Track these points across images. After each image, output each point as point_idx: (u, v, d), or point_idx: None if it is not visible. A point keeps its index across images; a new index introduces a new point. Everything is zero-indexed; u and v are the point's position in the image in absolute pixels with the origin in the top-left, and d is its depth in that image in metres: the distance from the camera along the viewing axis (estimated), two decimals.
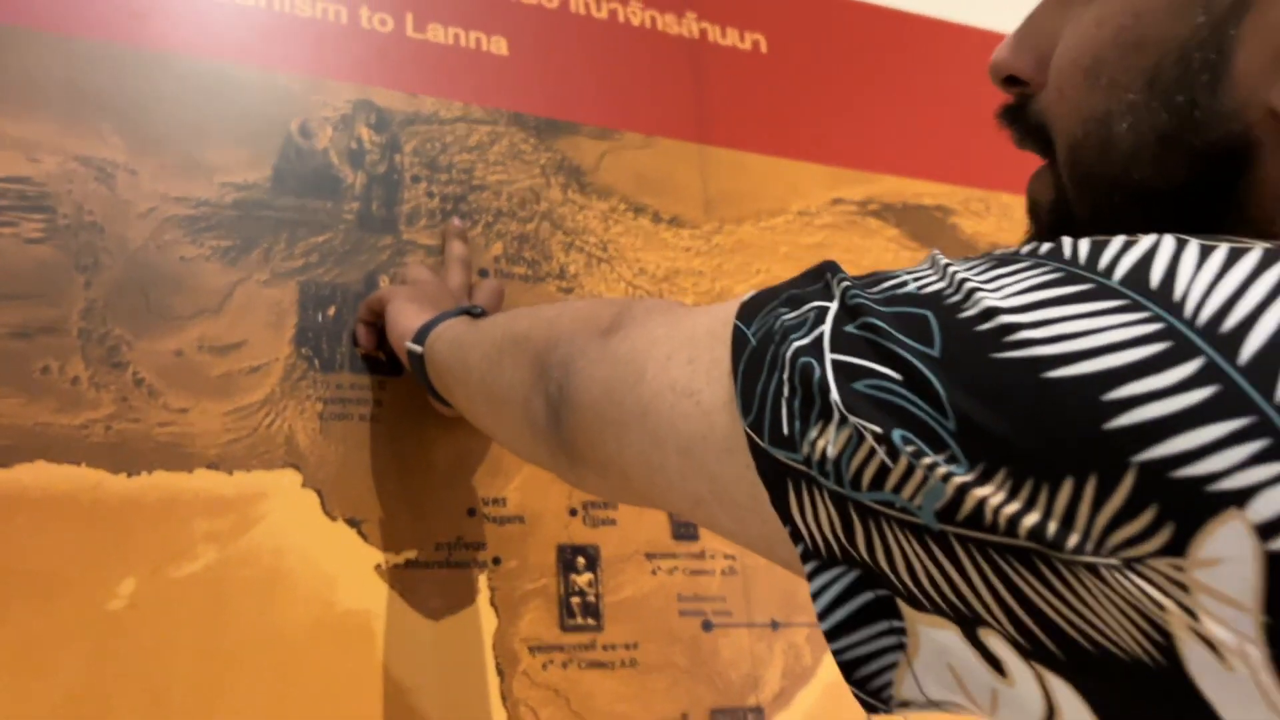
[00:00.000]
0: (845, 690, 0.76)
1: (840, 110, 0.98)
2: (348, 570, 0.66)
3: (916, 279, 0.30)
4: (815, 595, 0.30)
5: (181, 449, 0.65)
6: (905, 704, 0.30)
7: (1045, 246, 0.28)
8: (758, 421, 0.31)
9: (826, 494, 0.29)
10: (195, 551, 0.63)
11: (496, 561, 0.70)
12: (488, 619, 0.68)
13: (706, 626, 0.74)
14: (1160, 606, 0.22)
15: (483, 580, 0.69)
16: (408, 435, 0.71)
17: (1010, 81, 0.42)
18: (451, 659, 0.67)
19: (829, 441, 0.29)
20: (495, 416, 0.53)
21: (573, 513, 0.73)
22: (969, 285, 0.28)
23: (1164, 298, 0.24)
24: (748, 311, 0.34)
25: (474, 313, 0.63)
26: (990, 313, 0.26)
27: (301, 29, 0.78)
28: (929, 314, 0.28)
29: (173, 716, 0.59)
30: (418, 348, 0.62)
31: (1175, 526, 0.22)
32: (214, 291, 0.69)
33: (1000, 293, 0.27)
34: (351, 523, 0.67)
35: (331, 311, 0.72)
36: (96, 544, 0.61)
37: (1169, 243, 0.26)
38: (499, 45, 0.85)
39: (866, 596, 0.30)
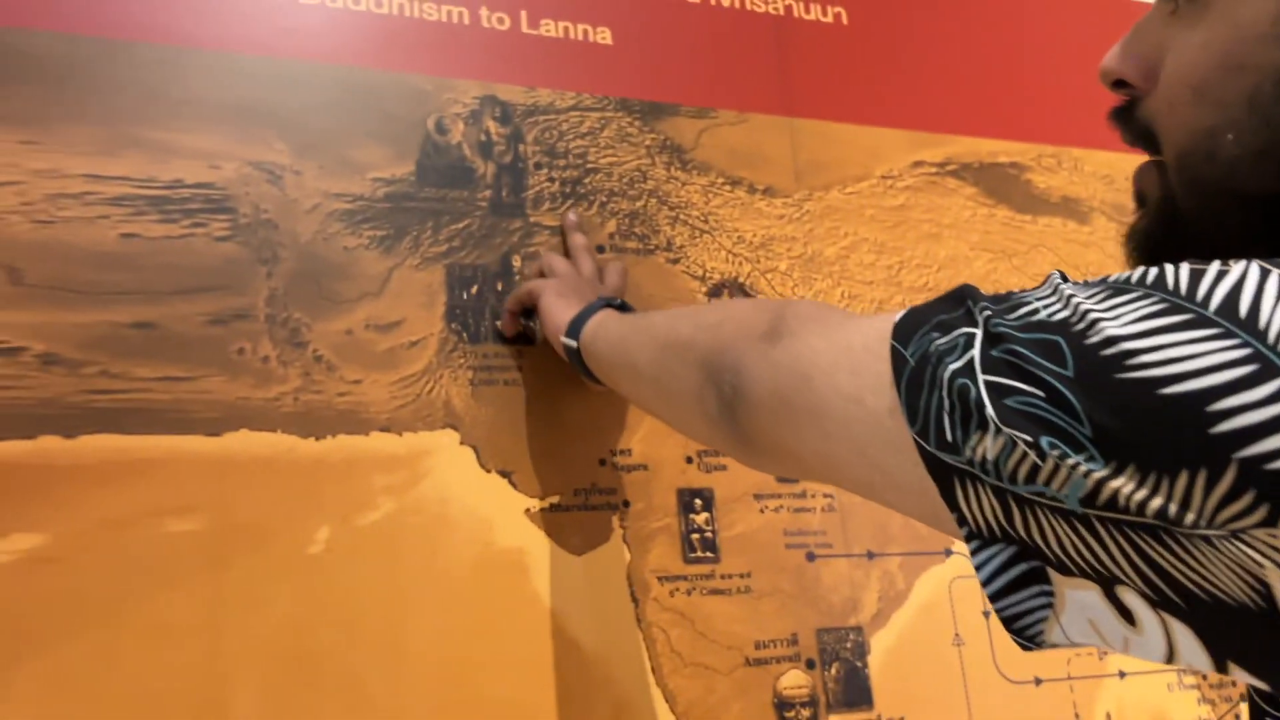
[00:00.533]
0: (936, 611, 0.85)
1: (918, 76, 1.04)
2: (502, 514, 0.77)
3: (1045, 305, 0.37)
4: (979, 567, 0.38)
5: (358, 415, 0.75)
6: (1054, 645, 0.38)
7: (1152, 275, 0.35)
8: (924, 429, 0.38)
9: (988, 488, 0.36)
10: (375, 502, 0.74)
11: (626, 504, 0.80)
12: (621, 554, 0.79)
13: (810, 557, 0.84)
14: (1259, 564, 0.30)
15: (615, 520, 0.79)
16: (545, 396, 0.80)
17: (1118, 85, 0.48)
18: (593, 589, 0.77)
19: (987, 448, 0.36)
20: (666, 407, 0.62)
21: (689, 460, 0.83)
22: (1091, 315, 0.34)
23: (1251, 326, 0.31)
24: (902, 333, 0.41)
25: (614, 304, 0.73)
26: (1112, 340, 0.33)
27: (429, 32, 0.87)
28: (1060, 340, 0.35)
29: (365, 643, 0.70)
30: (572, 343, 0.71)
31: (1270, 506, 0.29)
32: (374, 277, 0.79)
33: (1118, 321, 0.34)
34: (503, 473, 0.78)
35: (474, 290, 0.81)
36: (294, 499, 0.72)
37: (1254, 273, 0.33)
38: (604, 35, 0.93)
39: (1022, 567, 0.37)
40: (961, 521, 0.39)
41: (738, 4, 0.99)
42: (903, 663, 0.83)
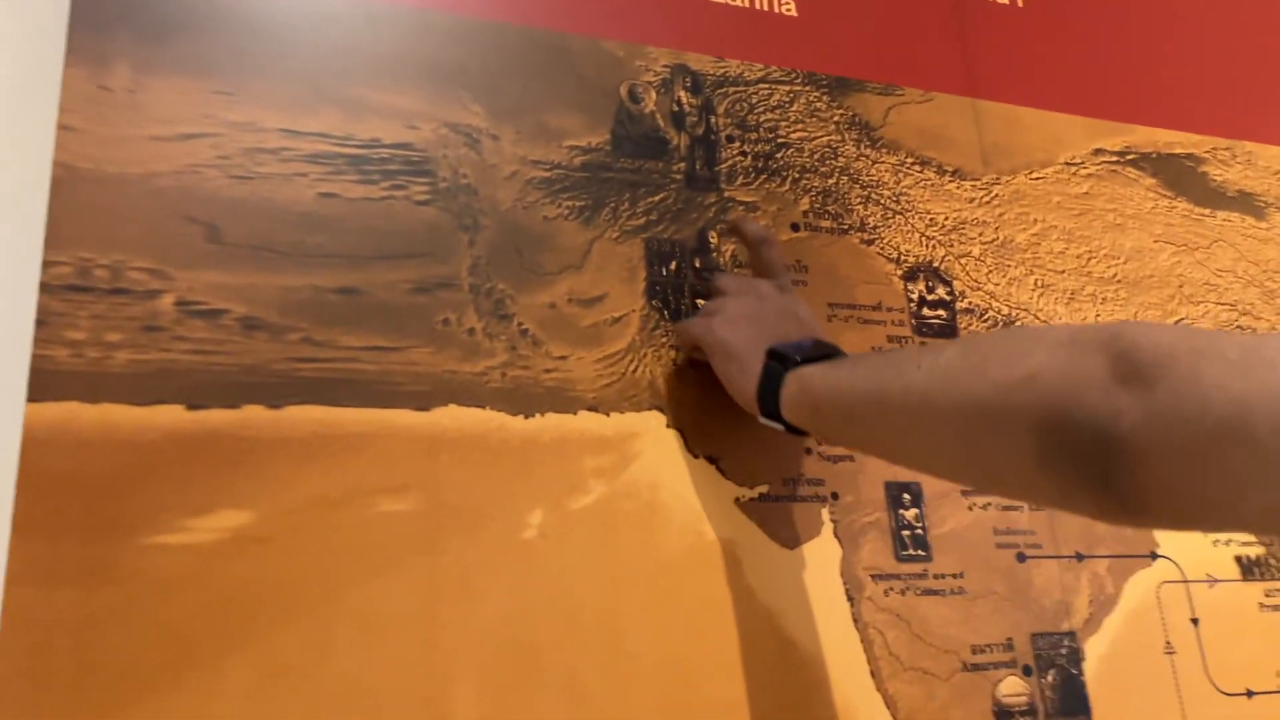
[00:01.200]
0: (1146, 616, 0.81)
1: (1094, 62, 1.00)
2: (712, 502, 0.72)
3: None
4: None
5: (565, 393, 0.70)
6: None
7: None
8: None
9: None
10: (587, 486, 0.69)
11: (835, 496, 0.75)
12: (833, 549, 0.74)
13: (1020, 558, 0.79)
14: None
15: (825, 513, 0.75)
16: None
17: None
18: (808, 585, 0.72)
19: None
20: (984, 480, 0.57)
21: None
22: None
23: None
24: None
25: (790, 357, 0.65)
26: None
27: None
28: None
29: (583, 637, 0.65)
30: (778, 426, 0.65)
31: None
32: (575, 249, 0.74)
33: None
34: (711, 459, 0.73)
35: (674, 266, 0.77)
36: (506, 479, 0.67)
37: None
38: (789, 7, 0.89)
39: None
40: None
41: None
42: (1117, 671, 0.78)
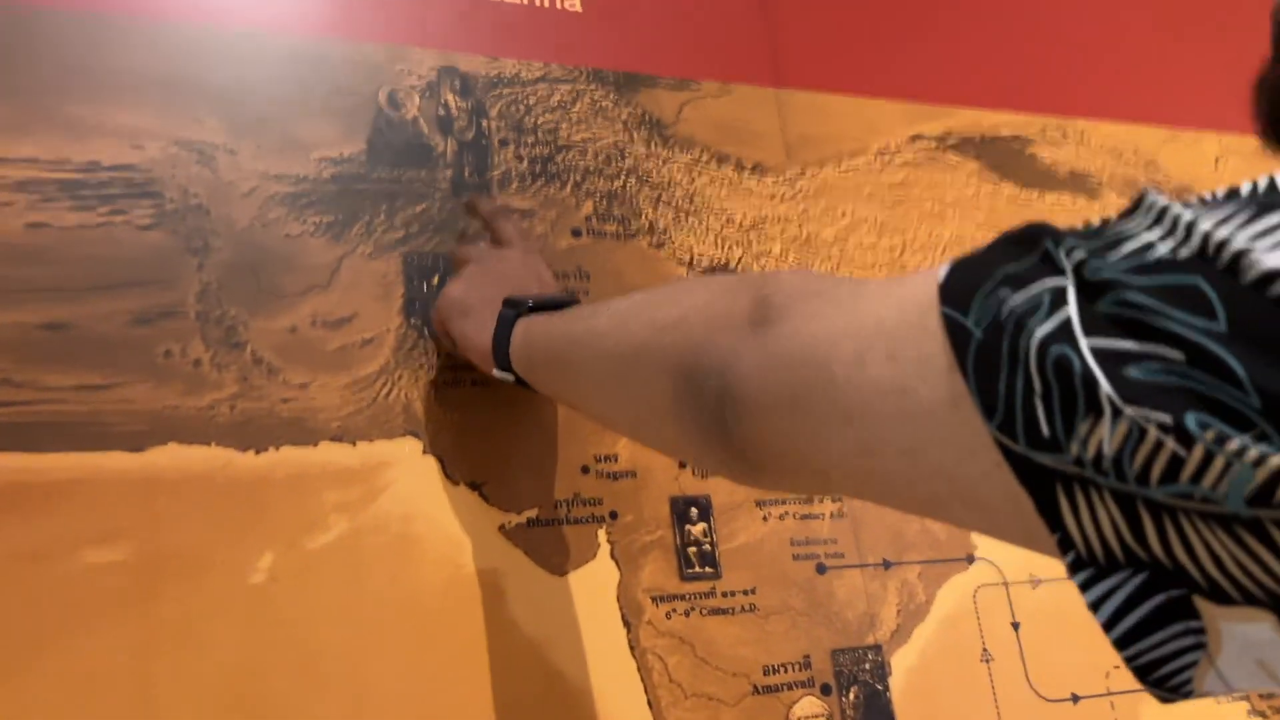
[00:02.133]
0: (961, 624, 0.77)
1: (914, 44, 0.97)
2: (474, 532, 0.67)
3: (1163, 239, 0.27)
4: (1095, 605, 0.28)
5: (305, 423, 0.66)
6: (1207, 694, 0.29)
7: None
8: (1008, 423, 0.29)
9: (1108, 494, 0.27)
10: (328, 522, 0.65)
11: (613, 516, 0.71)
12: (610, 572, 0.70)
13: (820, 569, 0.75)
14: None
15: (602, 534, 0.70)
16: (518, 398, 0.71)
17: None
18: (579, 612, 0.68)
19: (1104, 438, 0.26)
20: (642, 430, 0.51)
21: (682, 464, 0.74)
22: (1234, 246, 0.25)
23: None
24: (955, 296, 0.31)
25: (524, 305, 0.61)
26: (1274, 275, 0.24)
27: None
28: (1199, 282, 0.26)
29: (324, 681, 0.61)
30: (508, 376, 0.61)
31: None
32: (321, 267, 0.70)
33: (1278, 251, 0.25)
34: (473, 486, 0.69)
35: (436, 280, 0.72)
36: (233, 521, 0.63)
37: None
38: (572, 2, 0.84)
39: (1158, 599, 0.27)
40: (1067, 544, 0.29)
41: None
42: (928, 683, 0.75)
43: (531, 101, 0.80)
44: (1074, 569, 0.29)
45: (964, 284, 0.32)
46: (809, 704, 0.71)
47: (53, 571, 0.58)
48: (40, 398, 0.61)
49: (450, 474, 0.68)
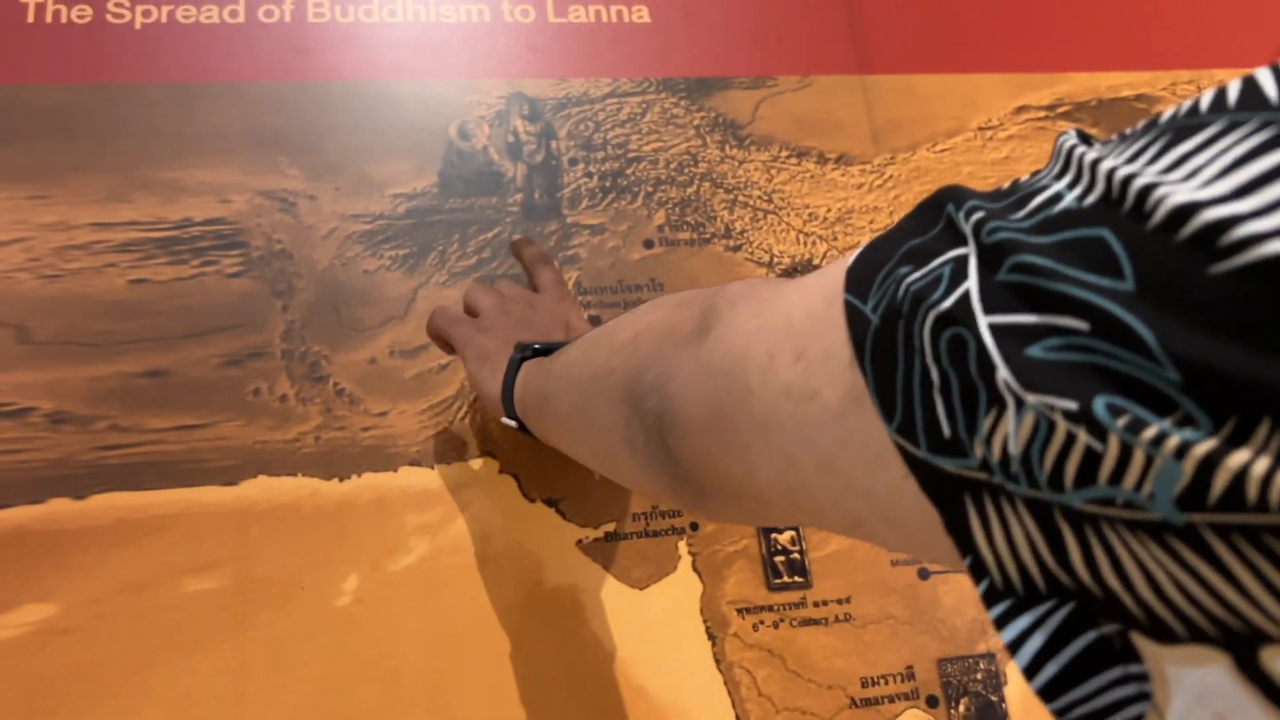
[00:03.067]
0: None
1: (1015, 11, 0.91)
2: (551, 548, 0.68)
3: (1070, 186, 0.23)
4: (1013, 646, 0.23)
5: (385, 450, 0.68)
6: None
7: (1234, 92, 0.21)
8: (907, 425, 0.25)
9: (1021, 504, 0.22)
10: (409, 545, 0.66)
11: (694, 527, 0.70)
12: (692, 584, 0.68)
13: (923, 575, 0.71)
14: None
15: (682, 546, 0.69)
16: None
17: None
18: (661, 626, 0.67)
19: (1008, 435, 0.22)
20: (606, 465, 0.47)
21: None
22: (1141, 182, 0.21)
23: None
24: (858, 279, 0.27)
25: (530, 349, 0.59)
26: (1186, 211, 0.19)
27: (449, 34, 0.81)
28: (1104, 233, 0.21)
29: (407, 699, 0.63)
30: (512, 424, 0.59)
31: None
32: (398, 299, 0.72)
33: (1193, 181, 0.20)
34: (549, 502, 0.69)
35: None
36: (320, 547, 0.66)
37: None
38: (640, 14, 0.84)
39: (1088, 637, 0.23)
40: (980, 570, 0.24)
41: None
42: None
43: (601, 118, 0.80)
44: (988, 600, 0.24)
45: (868, 265, 0.28)
46: (913, 716, 0.67)
47: (156, 600, 0.63)
48: (143, 439, 0.66)
49: (527, 492, 0.69)
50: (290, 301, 0.71)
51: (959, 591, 0.71)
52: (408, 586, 0.65)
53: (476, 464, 0.69)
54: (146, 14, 0.77)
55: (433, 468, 0.68)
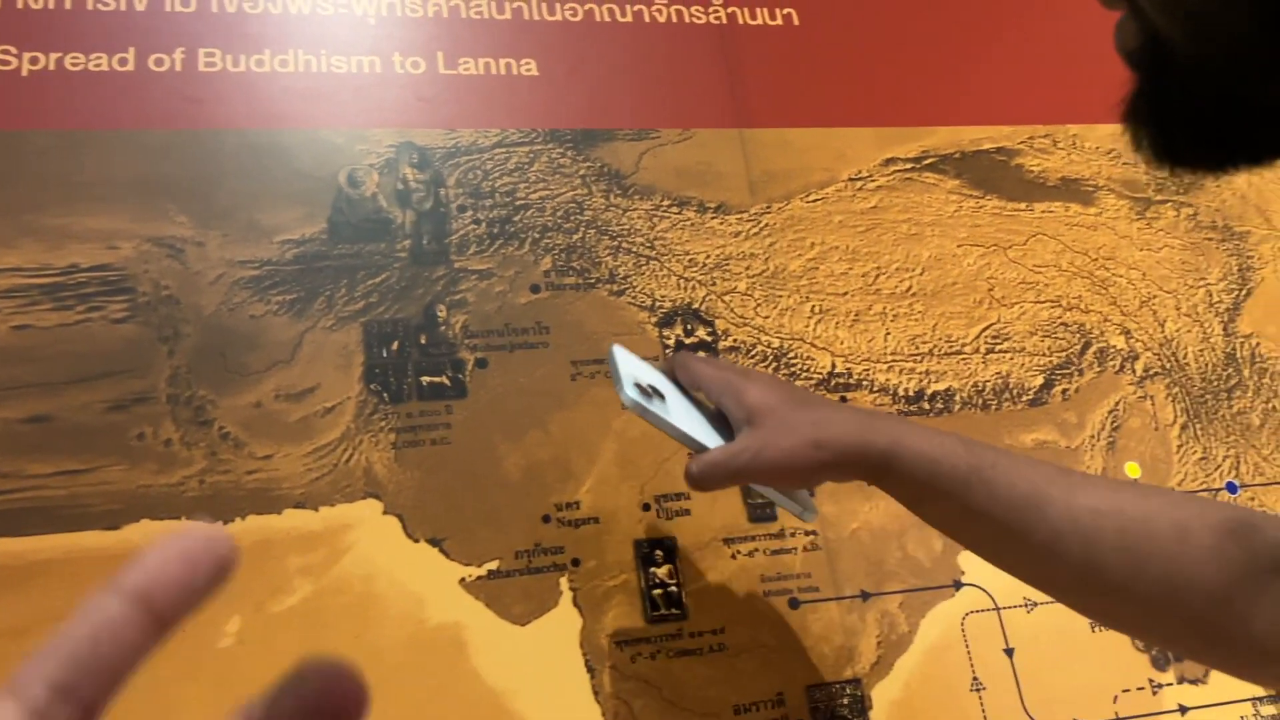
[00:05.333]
0: (948, 653, 0.76)
1: (884, 68, 0.96)
2: (434, 587, 0.70)
3: None
4: None
5: (270, 493, 0.70)
6: None
7: None
8: None
9: None
10: (292, 586, 0.68)
11: (575, 563, 0.72)
12: (572, 619, 0.71)
13: (793, 604, 0.75)
14: None
15: (564, 582, 0.72)
16: (478, 453, 0.74)
17: None
18: (541, 660, 0.69)
19: None
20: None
21: (645, 507, 0.75)
22: None
23: None
24: None
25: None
26: None
27: (340, 84, 0.83)
28: None
29: None
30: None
31: None
32: (284, 343, 0.74)
33: None
34: (433, 542, 0.71)
35: (395, 346, 0.76)
36: None
37: None
38: (529, 67, 0.88)
39: None
40: None
41: (675, 18, 0.93)
42: (912, 716, 0.73)
43: (489, 166, 0.83)
44: None
45: None
46: None
47: (35, 645, 0.63)
48: (24, 485, 0.67)
49: (410, 532, 0.71)
50: (176, 346, 0.72)
51: (827, 620, 0.75)
52: (290, 627, 0.67)
53: (360, 506, 0.71)
54: (34, 60, 0.78)
55: (317, 510, 0.70)
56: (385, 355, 0.75)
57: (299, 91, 0.82)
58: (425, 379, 0.75)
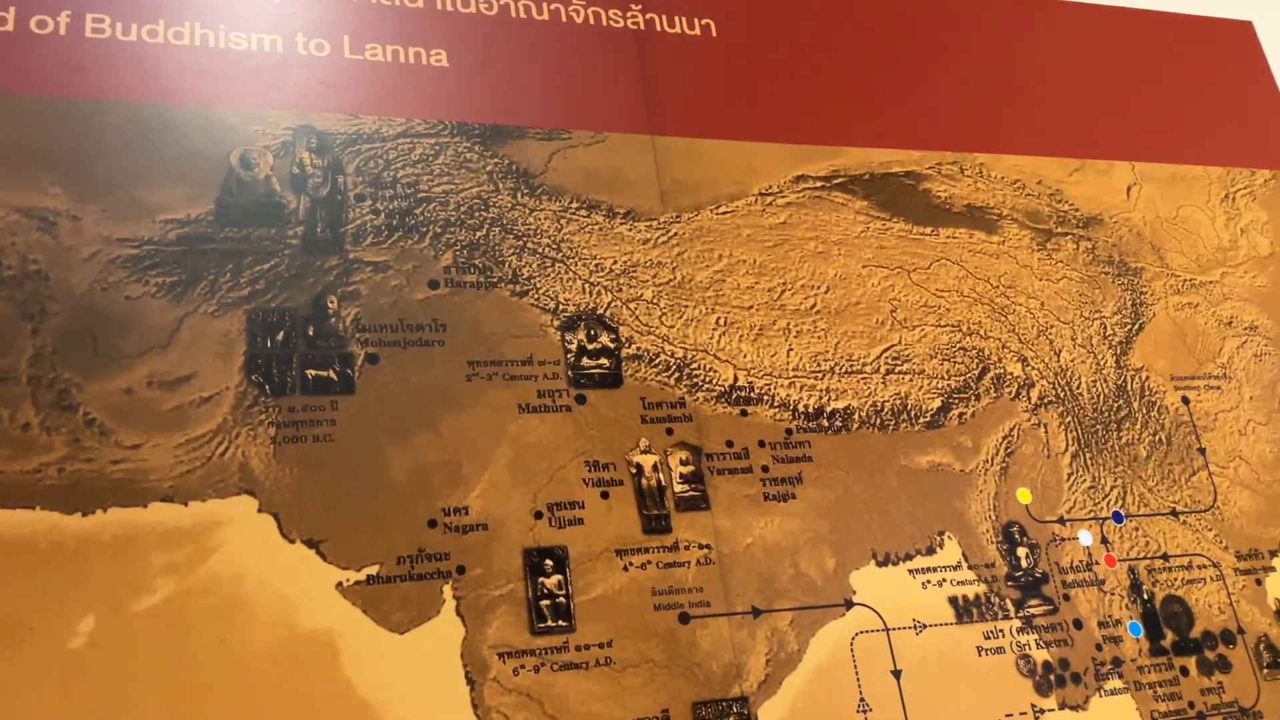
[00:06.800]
0: (836, 673, 0.75)
1: (798, 85, 0.96)
2: (309, 591, 0.66)
3: None
4: None
5: (135, 484, 0.65)
6: None
7: None
8: None
9: None
10: (154, 585, 0.64)
11: (461, 570, 0.70)
12: (454, 628, 0.68)
13: (684, 619, 0.73)
14: None
15: (447, 590, 0.69)
16: (363, 452, 0.71)
17: None
18: (419, 671, 0.66)
19: None
20: None
21: (538, 515, 0.73)
22: None
23: None
24: None
25: None
26: None
27: (238, 62, 0.79)
28: None
29: None
30: None
31: None
32: (161, 328, 0.70)
33: None
34: (310, 543, 0.67)
35: (281, 336, 0.72)
36: (55, 585, 0.62)
37: None
38: (439, 58, 0.85)
39: None
40: None
41: (593, 19, 0.91)
42: None
43: (391, 156, 0.80)
44: None
45: None
46: None
47: None
48: None
49: (286, 532, 0.67)
50: (42, 325, 0.67)
51: (716, 636, 0.73)
52: (150, 628, 0.62)
53: (234, 502, 0.67)
54: None
55: (186, 505, 0.66)
56: (270, 345, 0.72)
57: (193, 67, 0.78)
58: (311, 372, 0.72)
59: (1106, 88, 1.09)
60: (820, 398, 0.84)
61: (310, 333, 0.73)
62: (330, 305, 0.74)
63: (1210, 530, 0.91)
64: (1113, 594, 0.85)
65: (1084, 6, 1.12)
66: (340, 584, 0.67)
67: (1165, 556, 0.88)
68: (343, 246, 0.76)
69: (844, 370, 0.85)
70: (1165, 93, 1.11)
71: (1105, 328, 0.96)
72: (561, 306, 0.80)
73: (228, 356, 0.71)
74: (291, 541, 0.67)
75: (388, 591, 0.68)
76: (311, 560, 0.67)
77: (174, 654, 0.62)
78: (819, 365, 0.85)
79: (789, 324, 0.85)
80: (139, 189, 0.73)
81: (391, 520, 0.70)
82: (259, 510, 0.67)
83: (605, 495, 0.75)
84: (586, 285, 0.81)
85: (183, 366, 0.69)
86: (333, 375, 0.72)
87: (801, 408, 0.83)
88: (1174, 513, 0.90)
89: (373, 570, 0.68)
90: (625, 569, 0.73)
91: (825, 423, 0.83)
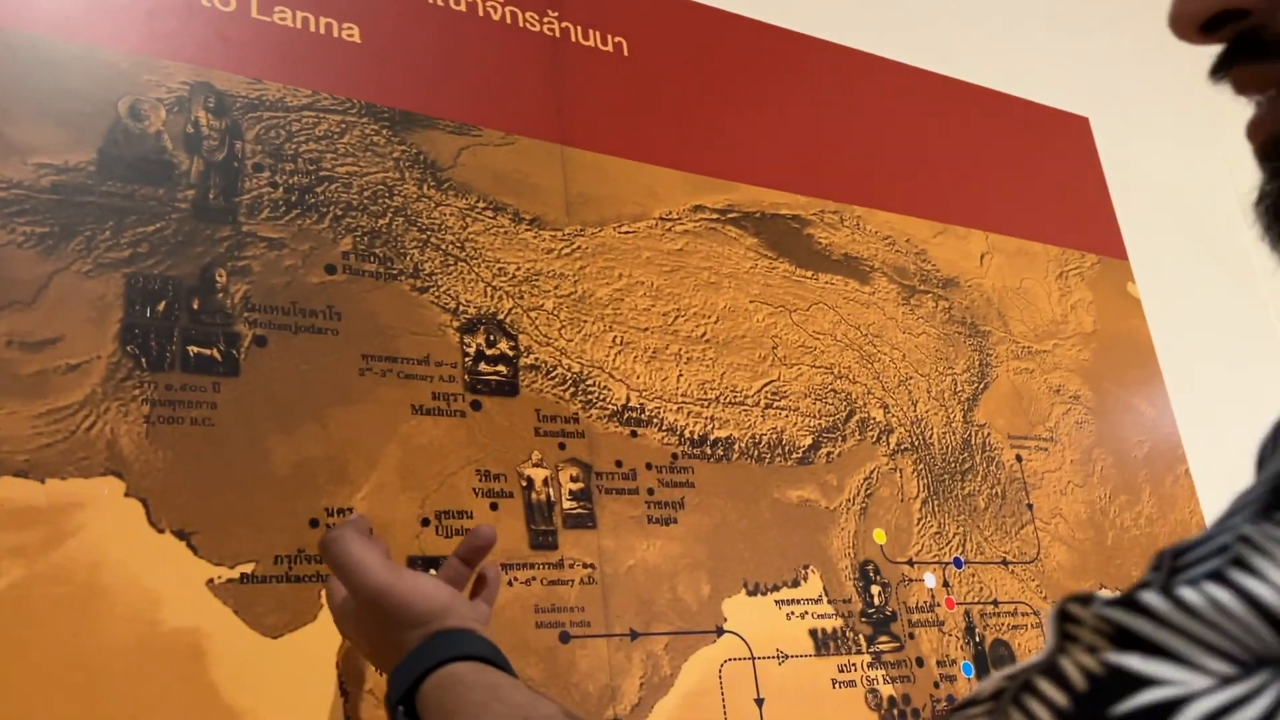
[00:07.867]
0: (704, 699, 0.75)
1: (701, 117, 0.98)
2: (175, 586, 0.61)
3: None
4: None
5: None
6: None
7: None
8: None
9: None
10: (0, 568, 0.57)
11: None
12: (332, 636, 0.64)
13: (564, 638, 0.72)
14: None
15: (326, 594, 0.65)
16: (245, 441, 0.66)
17: (1220, 21, 0.34)
18: (291, 678, 0.62)
19: None
20: None
21: (425, 522, 0.70)
22: None
23: None
24: None
25: (462, 653, 0.55)
26: None
27: (132, 4, 0.73)
28: None
29: None
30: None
31: None
32: (26, 282, 0.63)
33: None
34: (180, 535, 0.62)
35: (162, 306, 0.66)
36: None
37: None
38: (351, 32, 0.81)
39: None
40: None
41: (510, 19, 0.89)
42: None
43: (295, 128, 0.76)
44: None
45: None
46: None
47: None
48: None
49: (155, 520, 0.62)
50: None
51: (595, 657, 0.72)
52: None
53: (98, 483, 0.61)
54: None
55: (43, 482, 0.59)
56: (149, 315, 0.66)
57: (81, 3, 0.71)
58: (193, 349, 0.66)
59: (968, 159, 1.16)
60: (705, 425, 0.85)
61: (195, 306, 0.67)
62: (219, 279, 0.69)
63: (1033, 580, 0.98)
64: (951, 635, 0.90)
65: (951, 81, 1.19)
66: (211, 581, 0.62)
67: (995, 602, 0.94)
68: (236, 217, 0.71)
69: (728, 400, 0.87)
70: (1015, 170, 1.20)
71: (956, 384, 1.02)
72: (462, 307, 0.77)
73: (101, 322, 0.64)
74: (160, 531, 0.62)
75: (262, 592, 0.63)
76: (181, 553, 0.62)
77: (18, 647, 0.56)
78: (705, 393, 0.86)
79: (680, 349, 0.86)
80: (7, 125, 0.65)
81: (271, 516, 0.65)
82: (126, 494, 0.61)
83: (494, 507, 0.73)
84: (489, 288, 0.79)
85: (48, 327, 0.62)
86: (216, 354, 0.67)
87: (688, 434, 0.83)
88: (1004, 562, 0.97)
89: (247, 568, 0.63)
90: (510, 584, 0.71)
91: (709, 450, 0.84)
